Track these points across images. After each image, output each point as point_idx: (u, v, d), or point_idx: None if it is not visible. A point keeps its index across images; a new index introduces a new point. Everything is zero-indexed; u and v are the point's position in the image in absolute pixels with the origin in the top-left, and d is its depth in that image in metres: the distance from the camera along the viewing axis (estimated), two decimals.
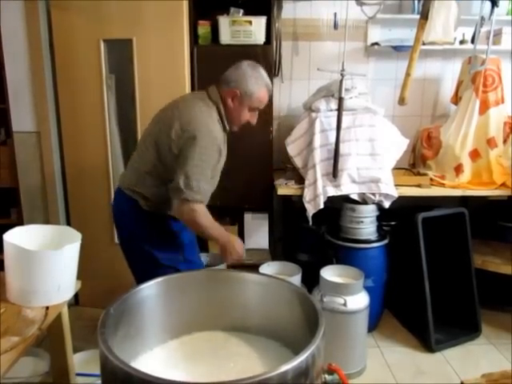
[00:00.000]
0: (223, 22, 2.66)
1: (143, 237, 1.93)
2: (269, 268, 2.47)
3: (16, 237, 1.60)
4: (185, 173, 1.73)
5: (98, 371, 1.14)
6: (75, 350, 1.96)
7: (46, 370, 2.00)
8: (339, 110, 2.57)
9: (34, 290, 1.56)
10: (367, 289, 2.43)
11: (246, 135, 2.73)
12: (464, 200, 2.95)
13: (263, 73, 1.90)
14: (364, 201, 2.65)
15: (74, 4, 2.58)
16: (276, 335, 1.42)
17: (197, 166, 1.73)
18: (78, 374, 1.94)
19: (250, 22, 2.66)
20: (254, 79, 1.85)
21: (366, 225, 2.68)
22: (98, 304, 2.57)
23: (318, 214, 2.63)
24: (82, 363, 2.12)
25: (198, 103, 1.85)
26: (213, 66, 2.69)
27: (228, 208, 2.88)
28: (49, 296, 1.58)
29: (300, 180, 2.75)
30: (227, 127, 1.91)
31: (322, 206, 2.59)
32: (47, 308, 1.57)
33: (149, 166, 1.88)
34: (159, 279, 1.43)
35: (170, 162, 1.81)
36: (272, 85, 2.82)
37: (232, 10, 2.72)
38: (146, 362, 1.31)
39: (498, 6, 2.45)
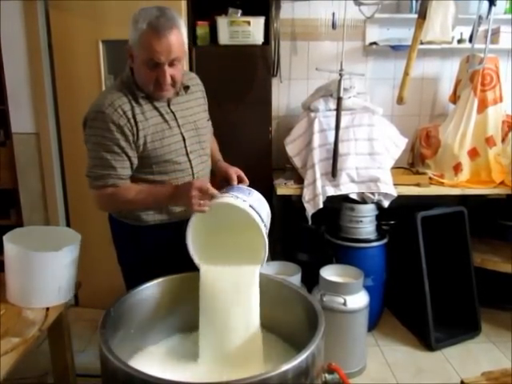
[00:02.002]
0: (222, 22, 2.65)
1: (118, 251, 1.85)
2: (268, 268, 2.46)
3: (16, 238, 1.60)
4: (88, 160, 1.59)
5: (98, 372, 1.14)
6: (75, 351, 1.96)
7: (46, 370, 2.00)
8: (338, 109, 2.57)
9: (34, 291, 1.57)
10: (367, 288, 2.43)
11: (245, 135, 2.76)
12: (463, 199, 2.95)
13: (148, 11, 1.46)
14: (363, 200, 2.65)
15: (72, 5, 2.58)
16: (275, 335, 1.43)
17: (93, 150, 1.56)
18: (79, 375, 1.94)
19: (249, 23, 2.65)
20: (134, 24, 1.47)
21: (365, 224, 2.68)
22: (97, 305, 2.57)
23: (318, 214, 2.63)
24: (83, 364, 2.13)
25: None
26: (211, 66, 2.70)
27: None
28: (49, 297, 1.59)
29: (299, 180, 2.75)
30: (138, 93, 1.55)
31: (321, 206, 2.59)
32: (47, 309, 1.57)
33: None
34: (159, 279, 1.44)
35: None
36: (271, 84, 2.82)
37: (230, 10, 2.72)
38: (146, 362, 1.32)
39: (495, 5, 2.45)
